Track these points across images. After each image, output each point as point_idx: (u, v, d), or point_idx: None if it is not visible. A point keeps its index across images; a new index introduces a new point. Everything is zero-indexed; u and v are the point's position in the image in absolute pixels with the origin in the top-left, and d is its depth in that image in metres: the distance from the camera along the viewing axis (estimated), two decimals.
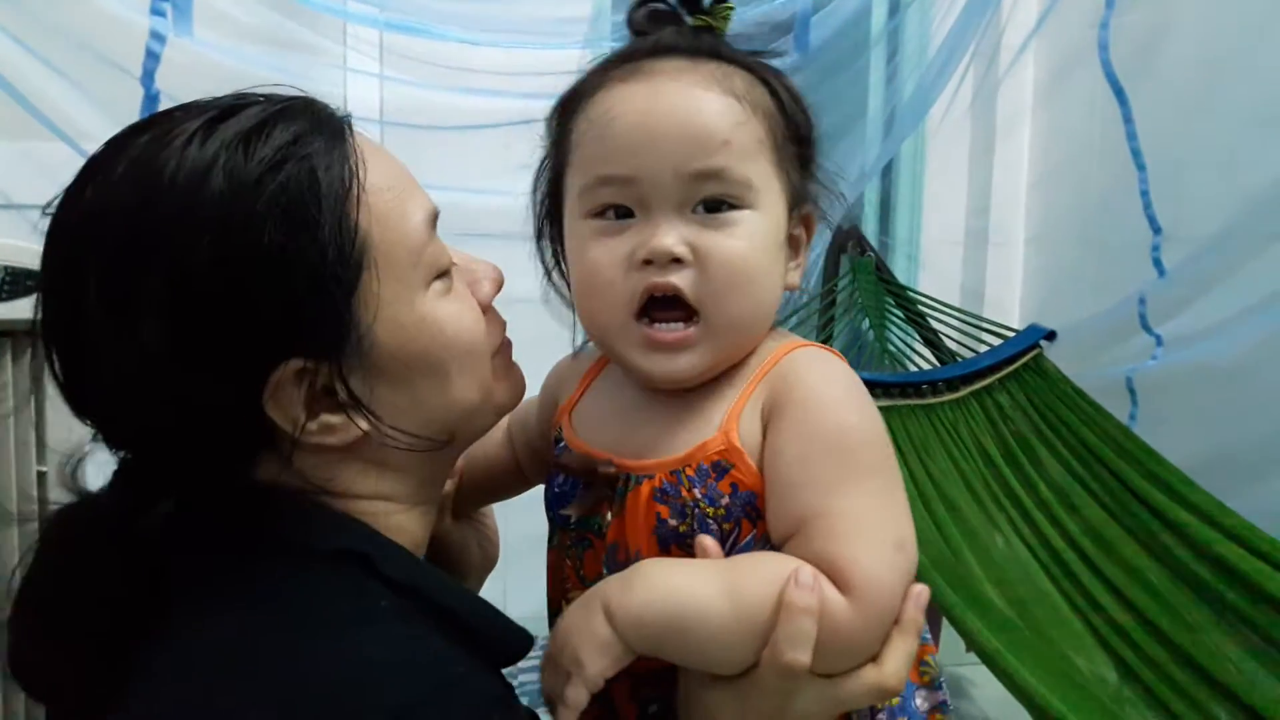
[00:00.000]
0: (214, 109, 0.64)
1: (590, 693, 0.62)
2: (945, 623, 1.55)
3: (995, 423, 1.99)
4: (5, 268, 1.32)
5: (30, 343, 1.38)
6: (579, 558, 0.72)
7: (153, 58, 1.53)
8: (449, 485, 0.86)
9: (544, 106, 0.76)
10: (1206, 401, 1.94)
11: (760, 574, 0.62)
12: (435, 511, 0.76)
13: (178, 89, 1.54)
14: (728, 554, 0.65)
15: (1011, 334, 2.12)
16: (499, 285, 0.76)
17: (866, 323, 2.26)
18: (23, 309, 1.35)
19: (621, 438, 0.71)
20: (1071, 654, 1.64)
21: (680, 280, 0.66)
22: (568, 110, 0.73)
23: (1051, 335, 2.07)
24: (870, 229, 2.57)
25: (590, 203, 0.69)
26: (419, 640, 0.61)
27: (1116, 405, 1.98)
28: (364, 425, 0.65)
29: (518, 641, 0.68)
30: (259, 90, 0.67)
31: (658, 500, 0.66)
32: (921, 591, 0.65)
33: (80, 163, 0.64)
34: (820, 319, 2.16)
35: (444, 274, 0.69)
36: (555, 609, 0.76)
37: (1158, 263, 2.04)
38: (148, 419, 0.63)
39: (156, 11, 1.54)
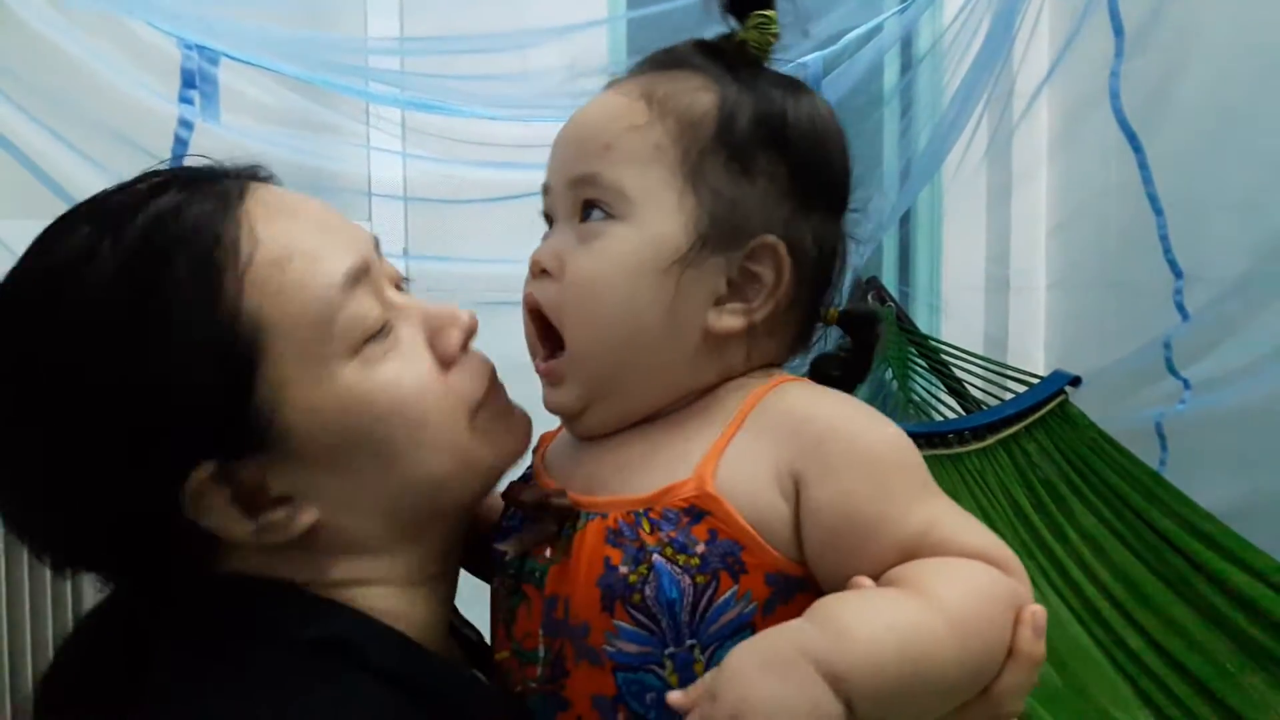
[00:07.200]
0: (101, 199, 0.61)
1: None
2: None
3: (1023, 471, 1.98)
4: None
5: None
6: (511, 611, 0.62)
7: (181, 144, 1.57)
8: None
9: None
10: (1238, 445, 1.92)
11: (962, 589, 0.52)
12: (450, 585, 0.71)
13: None
14: (702, 613, 0.55)
15: (1036, 381, 2.12)
16: (470, 331, 0.67)
17: (890, 373, 2.25)
18: None
19: (580, 472, 0.63)
20: (1110, 708, 1.62)
21: (539, 292, 0.63)
22: None
23: (1077, 381, 2.06)
24: (890, 279, 2.56)
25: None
26: None
27: (1146, 450, 1.97)
28: (308, 519, 0.60)
29: None
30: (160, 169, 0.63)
31: (609, 543, 0.56)
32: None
33: None
34: None
35: (377, 334, 0.61)
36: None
37: (1180, 306, 2.02)
38: (81, 535, 0.61)
39: (184, 100, 1.59)
